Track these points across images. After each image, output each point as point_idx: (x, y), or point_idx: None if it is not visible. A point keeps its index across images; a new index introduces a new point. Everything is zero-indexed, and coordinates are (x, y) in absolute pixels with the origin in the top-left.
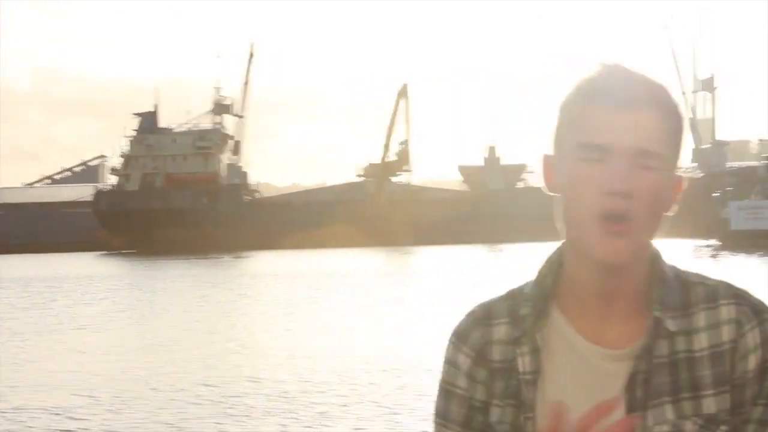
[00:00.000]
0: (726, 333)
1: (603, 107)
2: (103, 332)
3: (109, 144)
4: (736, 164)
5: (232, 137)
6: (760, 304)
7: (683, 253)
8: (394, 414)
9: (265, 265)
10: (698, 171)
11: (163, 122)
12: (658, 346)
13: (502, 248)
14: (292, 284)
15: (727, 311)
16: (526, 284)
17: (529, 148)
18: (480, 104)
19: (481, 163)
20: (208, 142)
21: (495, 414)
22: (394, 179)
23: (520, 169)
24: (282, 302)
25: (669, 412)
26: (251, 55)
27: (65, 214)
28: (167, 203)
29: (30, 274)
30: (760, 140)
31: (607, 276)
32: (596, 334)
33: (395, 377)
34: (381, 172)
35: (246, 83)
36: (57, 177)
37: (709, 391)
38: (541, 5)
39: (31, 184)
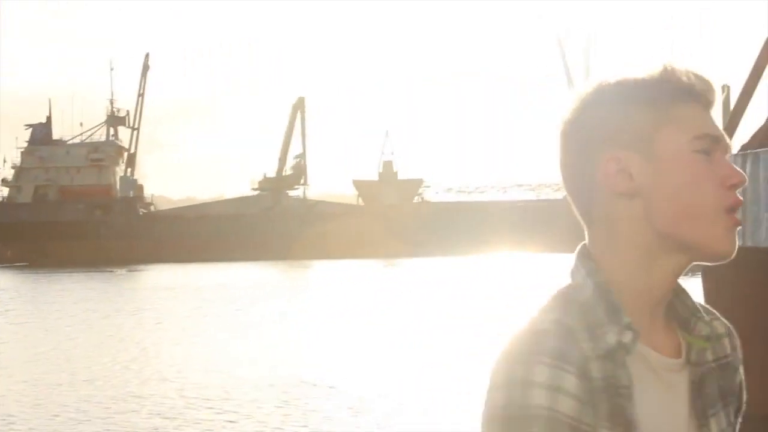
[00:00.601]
0: (727, 346)
1: (702, 105)
2: None
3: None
4: None
5: (126, 149)
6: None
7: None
8: (279, 429)
9: (159, 279)
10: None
11: (56, 134)
12: (702, 354)
13: (396, 263)
14: (185, 298)
15: (720, 326)
16: (575, 296)
17: (428, 162)
18: (377, 118)
19: (376, 177)
20: (102, 154)
21: None
22: (290, 193)
23: (417, 183)
24: (174, 316)
25: (723, 419)
26: (146, 67)
27: None
28: (60, 216)
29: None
30: None
31: (676, 280)
32: (650, 344)
33: (280, 393)
34: (276, 185)
35: (141, 95)
36: None
37: (729, 400)
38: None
39: None
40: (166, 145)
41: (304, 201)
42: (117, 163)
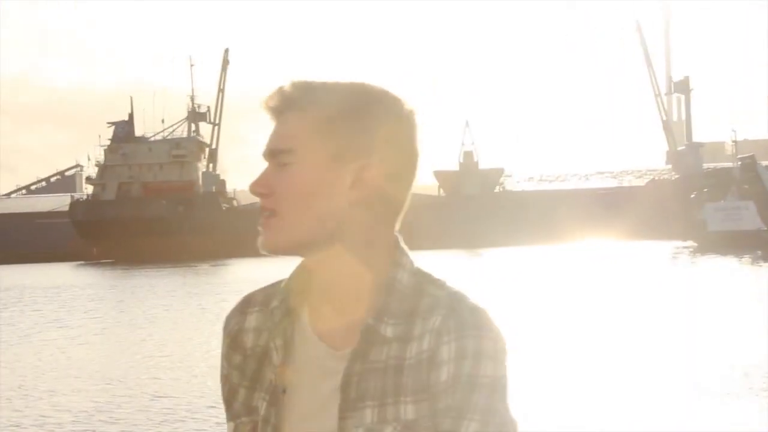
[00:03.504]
0: (426, 342)
1: (270, 120)
2: (85, 345)
3: (81, 153)
4: (712, 166)
5: (208, 145)
6: (473, 319)
7: (660, 255)
8: None
9: (242, 273)
10: (674, 173)
11: (138, 131)
12: (375, 350)
13: (480, 253)
14: None
15: (434, 322)
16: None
17: (508, 151)
18: (456, 108)
19: (457, 168)
20: (183, 150)
21: (240, 395)
22: None
23: (498, 173)
24: None
25: (368, 416)
26: (226, 62)
27: (42, 224)
28: (144, 212)
29: (14, 283)
30: (734, 141)
31: (311, 275)
32: (327, 333)
33: None
34: None
35: (221, 90)
36: (32, 187)
37: (409, 398)
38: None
39: (7, 195)
40: (247, 140)
41: None
42: (199, 159)
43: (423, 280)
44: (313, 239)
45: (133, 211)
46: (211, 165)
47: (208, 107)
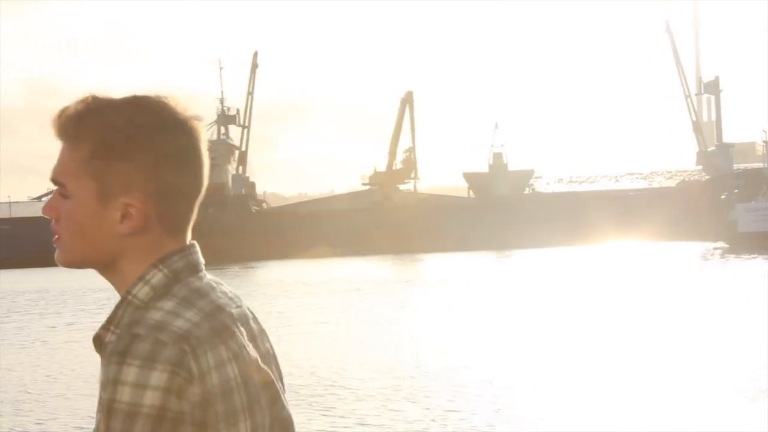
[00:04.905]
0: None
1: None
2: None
3: None
4: (743, 166)
5: (237, 147)
6: (124, 346)
7: (691, 256)
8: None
9: (273, 275)
10: (704, 174)
11: None
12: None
13: (510, 254)
14: (301, 294)
15: (112, 341)
16: None
17: (538, 152)
18: (486, 110)
19: (486, 169)
20: (213, 153)
21: None
22: (400, 187)
23: (528, 175)
24: (291, 312)
25: (96, 421)
26: (255, 65)
27: None
28: None
29: (41, 287)
30: (765, 141)
31: (116, 289)
32: None
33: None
34: (387, 180)
35: (250, 93)
36: None
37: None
38: (542, 7)
39: (38, 198)
40: (276, 142)
41: (414, 194)
42: (229, 162)
43: (157, 296)
44: (92, 263)
45: None
46: (240, 168)
47: (238, 110)
